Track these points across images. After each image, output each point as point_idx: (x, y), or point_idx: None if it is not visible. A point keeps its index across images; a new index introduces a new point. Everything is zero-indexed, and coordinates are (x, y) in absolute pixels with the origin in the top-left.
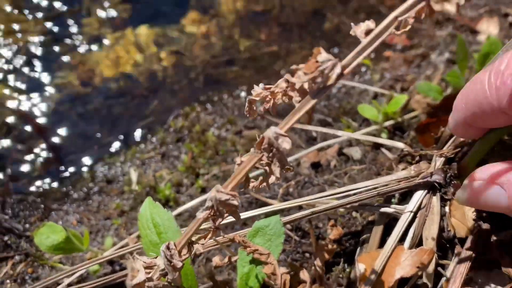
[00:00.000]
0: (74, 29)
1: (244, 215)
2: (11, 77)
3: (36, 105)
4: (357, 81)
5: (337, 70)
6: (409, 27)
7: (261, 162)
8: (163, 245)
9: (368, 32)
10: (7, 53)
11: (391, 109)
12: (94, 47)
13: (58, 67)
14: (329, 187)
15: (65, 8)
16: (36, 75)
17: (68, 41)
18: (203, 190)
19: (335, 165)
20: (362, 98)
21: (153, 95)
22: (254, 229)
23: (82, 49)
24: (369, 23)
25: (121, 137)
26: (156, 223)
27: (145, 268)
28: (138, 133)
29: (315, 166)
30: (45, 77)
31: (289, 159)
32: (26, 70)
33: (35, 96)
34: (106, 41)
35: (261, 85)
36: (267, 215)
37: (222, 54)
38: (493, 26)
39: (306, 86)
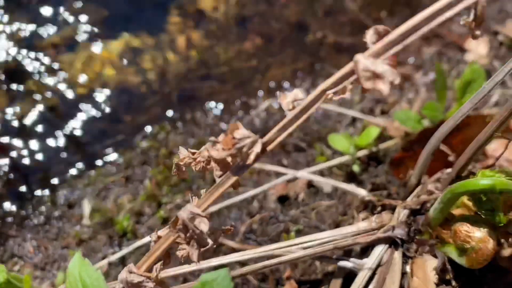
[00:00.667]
0: (42, 39)
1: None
2: None
3: None
4: (337, 102)
5: (257, 148)
6: (348, 93)
7: (180, 240)
8: None
9: (295, 105)
10: None
11: (362, 142)
12: (62, 59)
13: (24, 82)
14: (294, 225)
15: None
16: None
17: (33, 53)
18: (165, 221)
19: (303, 198)
20: (340, 121)
21: (125, 111)
22: (201, 283)
23: (48, 61)
24: (298, 93)
25: (88, 157)
26: (84, 283)
27: None
28: (105, 153)
29: (283, 199)
30: (10, 92)
31: (256, 190)
32: None
33: None
34: (77, 52)
35: (184, 150)
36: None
37: (199, 67)
38: (483, 44)
39: (229, 159)
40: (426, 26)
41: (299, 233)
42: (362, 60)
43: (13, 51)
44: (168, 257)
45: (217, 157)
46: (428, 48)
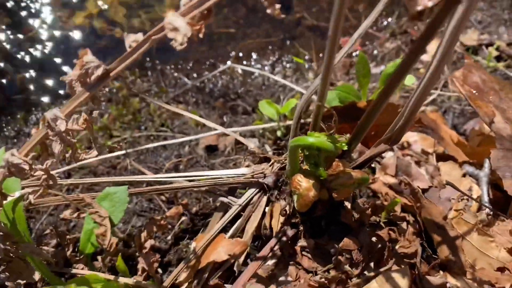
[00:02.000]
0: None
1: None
2: None
3: None
4: (295, 78)
5: (99, 71)
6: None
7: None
8: None
9: (135, 43)
10: None
11: (284, 110)
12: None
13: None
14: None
15: None
16: None
17: None
18: (110, 151)
19: (229, 151)
20: (289, 93)
21: (112, 50)
22: (104, 193)
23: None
24: (139, 37)
25: (63, 86)
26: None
27: None
28: None
29: (212, 149)
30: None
31: (189, 137)
32: None
33: None
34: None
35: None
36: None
37: None
38: None
39: (93, 78)
40: None
41: None
42: (170, 16)
43: None
44: (46, 150)
45: (75, 75)
46: (391, 43)
